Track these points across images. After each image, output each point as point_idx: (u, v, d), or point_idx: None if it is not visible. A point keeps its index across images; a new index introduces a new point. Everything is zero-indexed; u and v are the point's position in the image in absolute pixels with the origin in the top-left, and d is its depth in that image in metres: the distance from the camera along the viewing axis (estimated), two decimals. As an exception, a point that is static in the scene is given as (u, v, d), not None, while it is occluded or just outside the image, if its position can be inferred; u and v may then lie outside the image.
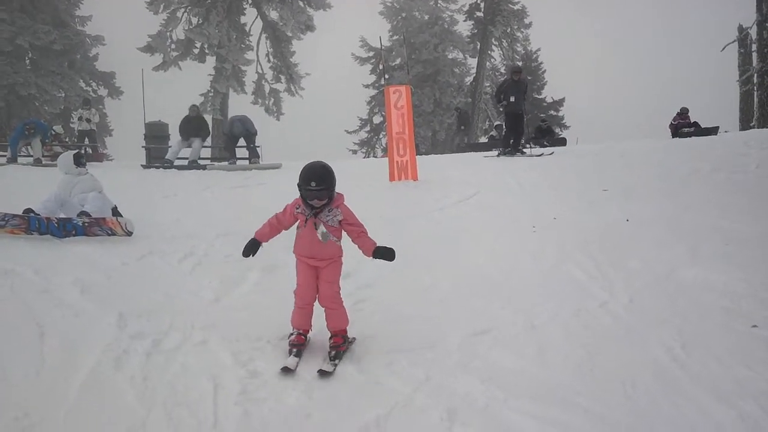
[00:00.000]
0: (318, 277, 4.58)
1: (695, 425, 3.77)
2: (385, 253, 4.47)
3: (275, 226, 4.61)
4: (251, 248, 4.57)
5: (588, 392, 4.13)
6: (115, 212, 7.82)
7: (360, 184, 10.12)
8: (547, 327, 5.17)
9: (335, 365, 4.39)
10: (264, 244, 4.62)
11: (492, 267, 6.71)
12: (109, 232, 7.31)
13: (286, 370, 4.26)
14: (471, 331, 5.04)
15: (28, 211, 7.24)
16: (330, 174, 4.40)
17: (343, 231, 4.59)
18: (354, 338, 4.77)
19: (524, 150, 14.99)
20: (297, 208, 4.54)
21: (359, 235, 4.54)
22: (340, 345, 4.58)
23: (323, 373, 4.27)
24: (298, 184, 4.40)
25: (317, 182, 4.31)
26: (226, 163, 15.68)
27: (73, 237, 7.14)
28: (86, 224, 7.24)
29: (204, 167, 14.34)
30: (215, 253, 6.86)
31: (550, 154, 14.52)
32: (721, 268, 6.42)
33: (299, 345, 4.55)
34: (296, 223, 4.58)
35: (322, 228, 4.46)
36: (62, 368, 4.15)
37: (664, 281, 6.21)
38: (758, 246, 7.11)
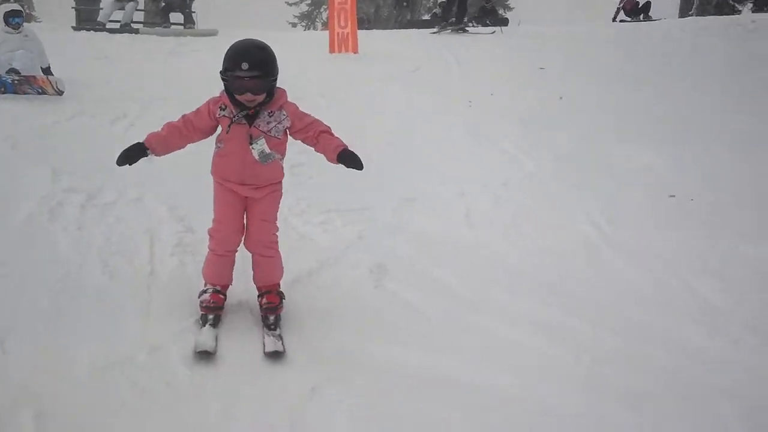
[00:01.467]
0: (248, 211, 3.31)
1: (609, 281, 4.08)
2: (353, 160, 3.13)
3: (182, 132, 3.16)
4: (131, 155, 3.10)
5: (513, 254, 4.39)
6: (47, 72, 7.52)
7: (299, 56, 9.90)
8: (476, 195, 5.38)
9: (281, 338, 3.20)
10: (155, 156, 3.21)
11: (427, 141, 6.83)
12: (40, 91, 7.06)
13: (204, 355, 3.03)
14: (404, 196, 5.21)
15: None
16: (270, 56, 3.05)
17: (289, 139, 3.30)
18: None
19: (467, 29, 14.84)
20: (221, 109, 3.12)
21: (320, 135, 3.20)
22: (278, 306, 3.35)
23: (275, 355, 3.09)
24: (221, 72, 3.02)
25: (251, 65, 2.93)
26: (159, 27, 15.03)
27: (2, 95, 6.89)
28: (16, 81, 6.98)
29: (137, 31, 13.70)
30: (149, 116, 6.71)
31: (492, 33, 14.41)
32: (646, 144, 6.72)
33: (217, 309, 3.29)
34: (216, 132, 3.24)
35: (261, 144, 3.12)
36: (-6, 220, 4.15)
37: (592, 155, 6.48)
38: (681, 125, 7.44)
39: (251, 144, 3.09)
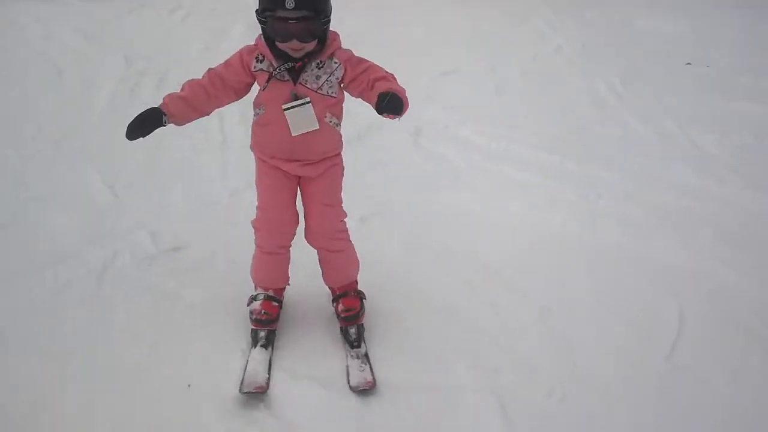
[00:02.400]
0: (303, 195, 2.62)
1: (621, 137, 4.62)
2: (391, 103, 2.17)
3: (208, 92, 2.44)
4: (143, 125, 2.35)
5: (532, 115, 4.94)
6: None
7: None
8: (506, 68, 5.85)
9: (367, 359, 2.57)
10: (173, 124, 2.44)
11: (461, 19, 7.22)
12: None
13: (253, 396, 2.38)
14: (439, 71, 5.71)
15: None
16: None
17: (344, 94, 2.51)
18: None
19: None
20: (258, 61, 2.41)
21: (375, 83, 2.36)
22: (359, 313, 2.68)
23: (363, 392, 2.42)
24: (257, 12, 2.30)
25: (298, 2, 2.19)
26: None
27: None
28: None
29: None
30: (202, 6, 7.23)
31: None
32: (672, 18, 7.04)
33: (269, 322, 2.62)
34: (253, 93, 2.53)
35: (303, 110, 2.37)
36: (84, 99, 4.83)
37: (619, 29, 6.85)
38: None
39: (296, 102, 2.34)
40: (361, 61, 2.42)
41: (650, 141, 4.53)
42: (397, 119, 2.21)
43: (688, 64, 5.83)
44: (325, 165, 2.53)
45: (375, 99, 2.19)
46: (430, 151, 4.35)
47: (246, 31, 6.53)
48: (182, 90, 2.44)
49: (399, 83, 2.33)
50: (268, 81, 2.37)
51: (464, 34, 6.82)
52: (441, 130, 4.68)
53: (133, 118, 2.33)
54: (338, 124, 2.50)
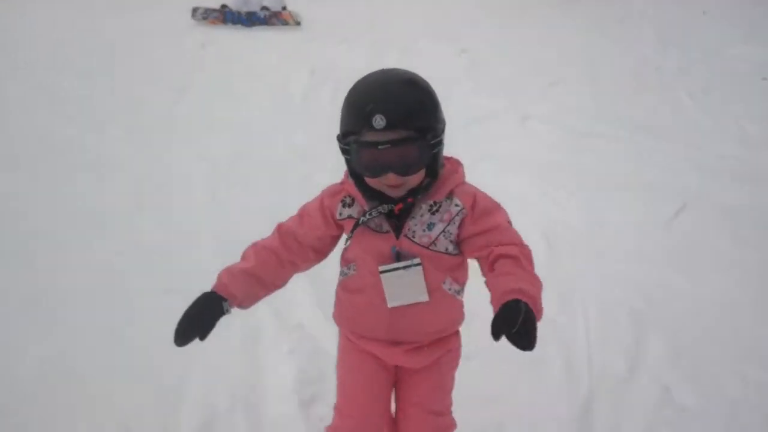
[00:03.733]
0: (398, 391, 1.96)
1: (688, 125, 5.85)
2: (521, 334, 1.33)
3: (280, 257, 1.79)
4: (198, 321, 1.62)
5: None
6: (285, 9, 10.15)
7: None
8: (608, 81, 7.20)
9: None
10: (238, 308, 1.74)
11: (572, 38, 8.63)
12: (283, 23, 9.70)
13: None
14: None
15: (224, 6, 9.71)
16: (428, 98, 1.61)
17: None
18: None
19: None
20: (345, 205, 1.76)
21: (498, 259, 1.61)
22: None
23: None
24: (339, 137, 1.65)
25: (390, 119, 1.51)
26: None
27: (257, 26, 9.62)
28: (267, 15, 9.67)
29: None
30: (362, 39, 9.03)
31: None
32: (763, 48, 8.17)
33: None
34: (340, 243, 1.86)
35: (408, 273, 1.71)
36: (283, 96, 6.67)
37: (711, 54, 8.07)
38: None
39: (382, 271, 1.69)
40: (488, 211, 1.67)
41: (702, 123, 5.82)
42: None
43: (765, 79, 6.98)
44: (436, 350, 1.83)
45: (494, 303, 1.46)
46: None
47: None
48: (245, 259, 1.75)
49: (533, 266, 1.57)
50: (354, 229, 1.67)
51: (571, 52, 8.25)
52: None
53: (182, 314, 1.59)
54: (460, 291, 1.80)
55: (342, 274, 1.85)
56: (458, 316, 1.89)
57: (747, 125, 5.74)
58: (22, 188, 4.36)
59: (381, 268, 1.69)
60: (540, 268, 1.60)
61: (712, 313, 3.12)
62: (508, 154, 5.04)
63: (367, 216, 1.67)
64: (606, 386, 2.63)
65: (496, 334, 1.32)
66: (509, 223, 1.69)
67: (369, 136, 1.53)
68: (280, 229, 1.81)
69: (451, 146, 1.79)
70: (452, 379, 1.94)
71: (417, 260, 1.68)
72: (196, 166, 4.82)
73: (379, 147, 1.52)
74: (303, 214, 1.81)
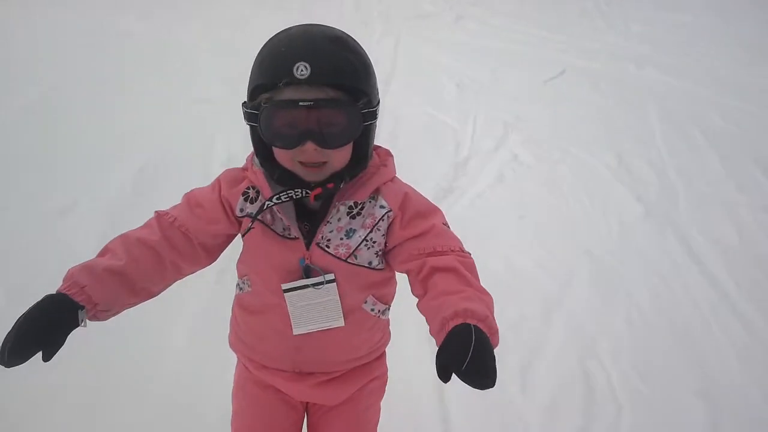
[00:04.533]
0: (311, 430, 1.63)
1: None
2: (473, 369, 0.99)
3: (159, 253, 1.31)
4: (40, 334, 1.10)
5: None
6: None
7: None
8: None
9: None
10: (97, 320, 1.23)
11: None
12: None
13: None
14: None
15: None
16: (361, 61, 1.25)
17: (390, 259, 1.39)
18: None
19: None
20: (246, 198, 1.36)
21: (433, 273, 1.27)
22: None
23: None
24: (245, 103, 1.26)
25: (315, 68, 1.16)
26: None
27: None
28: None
29: None
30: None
31: None
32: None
33: None
34: (234, 241, 1.45)
35: (327, 288, 1.35)
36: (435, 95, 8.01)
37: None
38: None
39: (285, 289, 1.35)
40: (421, 213, 1.35)
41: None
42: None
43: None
44: (356, 381, 1.52)
45: (434, 334, 1.14)
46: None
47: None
48: (111, 254, 1.27)
49: (477, 277, 1.25)
50: (251, 225, 1.30)
51: None
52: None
53: (19, 320, 1.10)
54: (386, 311, 1.48)
55: (238, 288, 1.47)
56: (383, 337, 1.53)
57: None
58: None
59: (284, 287, 1.32)
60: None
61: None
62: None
63: (274, 200, 1.25)
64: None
65: (443, 374, 1.00)
66: (445, 225, 1.34)
67: (287, 93, 1.16)
68: (161, 220, 1.34)
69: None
70: (377, 411, 1.60)
71: (330, 276, 1.31)
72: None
73: (301, 104, 1.14)
74: (193, 203, 1.36)
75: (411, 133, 4.41)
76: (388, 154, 1.41)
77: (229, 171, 1.40)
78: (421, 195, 1.39)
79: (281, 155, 1.26)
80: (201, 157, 3.96)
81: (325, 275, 1.32)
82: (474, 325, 1.05)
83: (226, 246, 1.43)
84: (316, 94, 1.17)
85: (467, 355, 0.99)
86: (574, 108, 5.09)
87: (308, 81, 1.15)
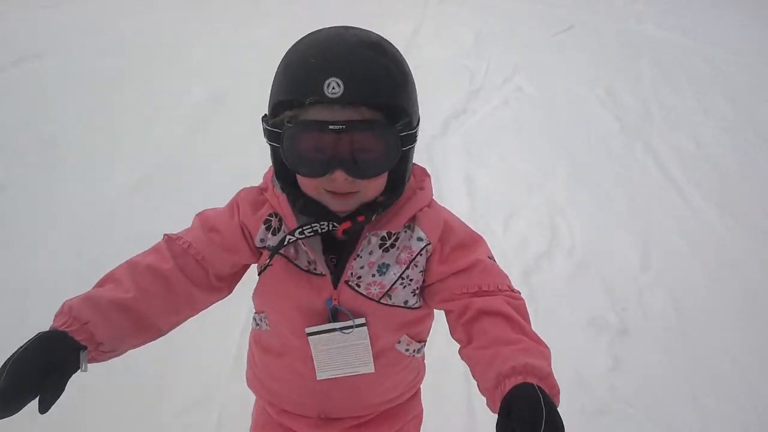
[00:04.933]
0: None
1: None
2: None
3: (171, 283, 1.13)
4: (35, 379, 0.89)
5: None
6: None
7: None
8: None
9: None
10: (98, 360, 1.03)
11: None
12: None
13: None
14: None
15: None
16: (401, 73, 1.06)
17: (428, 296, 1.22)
18: None
19: None
20: (268, 227, 1.19)
21: (480, 316, 1.10)
22: None
23: None
24: (266, 117, 1.09)
25: (351, 86, 0.98)
26: None
27: None
28: None
29: None
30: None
31: None
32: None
33: None
34: (256, 273, 1.25)
35: (358, 332, 1.19)
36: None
37: None
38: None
39: (310, 333, 1.21)
40: (464, 244, 1.19)
41: None
42: None
43: None
44: (388, 425, 1.40)
45: (487, 392, 0.99)
46: None
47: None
48: (116, 284, 1.10)
49: (530, 322, 1.10)
50: (269, 262, 1.15)
51: None
52: None
53: (9, 363, 0.91)
54: (421, 348, 1.35)
55: (255, 324, 1.34)
56: (417, 375, 1.41)
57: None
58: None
59: (308, 330, 1.19)
60: None
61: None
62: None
63: (296, 234, 1.10)
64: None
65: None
66: (491, 259, 1.18)
67: (315, 112, 0.99)
68: (173, 245, 1.17)
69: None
70: None
71: (361, 320, 1.17)
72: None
73: (330, 128, 0.97)
74: (208, 227, 1.19)
75: (432, 70, 5.18)
76: (424, 173, 1.22)
77: (247, 192, 1.22)
78: (462, 222, 1.23)
79: (305, 182, 1.08)
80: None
81: (355, 319, 1.17)
82: (538, 386, 0.89)
83: (243, 275, 1.25)
84: (349, 115, 0.98)
85: (540, 426, 0.82)
86: (576, 55, 5.89)
87: (340, 100, 0.97)
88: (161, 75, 4.88)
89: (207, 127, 4.19)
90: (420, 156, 1.15)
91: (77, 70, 4.89)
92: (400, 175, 1.10)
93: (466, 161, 3.89)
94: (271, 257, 1.13)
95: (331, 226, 1.10)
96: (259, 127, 1.09)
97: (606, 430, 2.23)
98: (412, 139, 1.07)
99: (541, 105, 4.80)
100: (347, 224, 1.10)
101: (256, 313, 1.32)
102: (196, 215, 1.24)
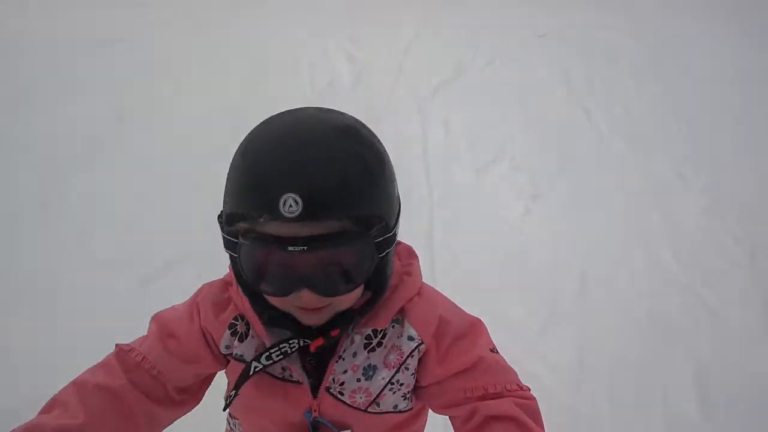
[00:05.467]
0: None
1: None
2: None
3: (127, 401, 1.00)
4: None
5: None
6: None
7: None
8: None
9: None
10: None
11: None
12: None
13: None
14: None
15: None
16: (376, 167, 0.92)
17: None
18: None
19: None
20: (232, 331, 1.07)
21: (492, 421, 0.98)
22: None
23: None
24: (220, 216, 0.95)
25: (312, 201, 0.84)
26: None
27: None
28: None
29: None
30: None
31: None
32: None
33: None
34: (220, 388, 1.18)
35: None
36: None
37: None
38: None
39: None
40: (462, 335, 1.08)
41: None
42: None
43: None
44: None
45: None
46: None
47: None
48: (57, 408, 0.97)
49: (542, 424, 1.01)
50: (242, 381, 1.03)
51: None
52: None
53: None
54: None
55: (228, 424, 1.27)
56: None
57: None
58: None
59: None
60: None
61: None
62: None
63: (262, 362, 1.00)
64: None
65: None
66: (493, 351, 1.06)
67: (272, 227, 0.86)
68: (125, 358, 1.03)
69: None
70: None
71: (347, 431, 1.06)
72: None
73: (290, 249, 0.85)
74: (166, 333, 1.06)
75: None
76: (411, 255, 1.10)
77: (210, 289, 1.09)
78: (456, 306, 1.10)
79: (271, 297, 0.95)
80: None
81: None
82: None
83: (211, 382, 1.13)
84: (311, 230, 0.84)
85: None
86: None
87: (300, 219, 0.82)
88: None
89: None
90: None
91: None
92: (380, 278, 0.97)
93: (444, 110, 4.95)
94: (237, 388, 1.00)
95: (301, 342, 0.98)
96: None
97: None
98: (390, 242, 0.93)
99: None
100: (320, 341, 0.98)
101: (229, 416, 1.21)
102: (152, 318, 1.08)
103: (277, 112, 0.97)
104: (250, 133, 0.94)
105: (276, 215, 0.84)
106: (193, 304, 1.10)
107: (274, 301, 0.97)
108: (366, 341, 1.05)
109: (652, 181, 4.39)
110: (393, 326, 1.06)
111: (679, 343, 3.11)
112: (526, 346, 2.92)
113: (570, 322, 3.16)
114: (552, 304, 3.27)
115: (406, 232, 1.09)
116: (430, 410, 1.21)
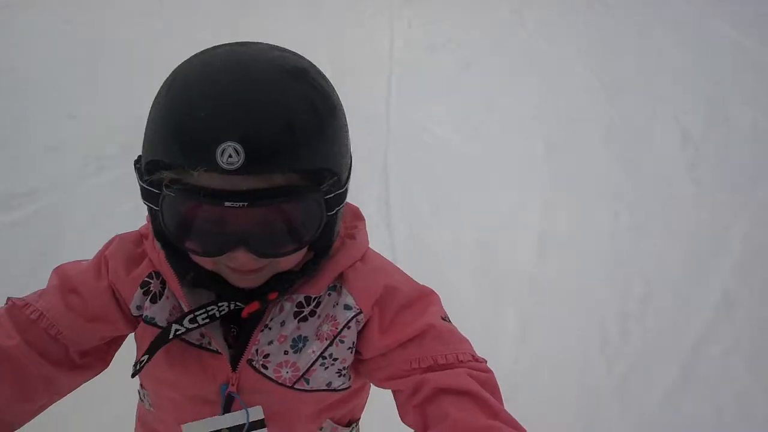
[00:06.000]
0: None
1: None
2: None
3: (23, 364, 0.86)
4: None
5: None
6: None
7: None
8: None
9: None
10: None
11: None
12: None
13: None
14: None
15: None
16: (327, 112, 0.78)
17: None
18: None
19: None
20: (145, 290, 0.93)
21: (442, 394, 0.82)
22: None
23: None
24: (137, 165, 0.80)
25: (256, 150, 0.70)
26: None
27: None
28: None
29: None
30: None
31: None
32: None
33: None
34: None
35: (235, 417, 0.95)
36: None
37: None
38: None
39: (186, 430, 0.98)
40: (409, 304, 0.95)
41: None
42: None
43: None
44: None
45: None
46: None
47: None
48: None
49: (501, 398, 0.85)
50: (154, 349, 0.90)
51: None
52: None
53: None
54: (354, 427, 1.15)
55: (138, 393, 1.11)
56: None
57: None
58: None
59: (185, 428, 0.96)
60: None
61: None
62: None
63: (185, 324, 0.87)
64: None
65: None
66: (445, 319, 0.93)
67: (205, 179, 0.73)
68: (18, 314, 0.90)
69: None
70: None
71: (258, 414, 0.95)
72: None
73: (227, 205, 0.73)
74: (66, 287, 0.93)
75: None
76: (356, 216, 0.99)
77: (121, 242, 0.95)
78: (406, 275, 0.98)
79: (194, 257, 0.82)
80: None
81: (249, 410, 0.93)
82: None
83: (120, 345, 0.99)
84: (253, 183, 0.72)
85: None
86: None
87: (240, 171, 0.70)
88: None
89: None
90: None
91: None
92: (326, 240, 0.86)
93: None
94: (150, 354, 0.87)
95: (233, 306, 0.87)
96: None
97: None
98: (341, 199, 0.83)
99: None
100: (255, 305, 0.86)
101: (140, 386, 1.07)
102: (54, 271, 0.95)
103: None
104: (180, 65, 0.78)
105: (212, 166, 0.70)
106: (101, 259, 0.94)
107: (200, 260, 0.83)
108: (297, 309, 0.91)
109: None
110: (329, 294, 0.93)
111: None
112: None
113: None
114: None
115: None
116: (373, 387, 1.06)
